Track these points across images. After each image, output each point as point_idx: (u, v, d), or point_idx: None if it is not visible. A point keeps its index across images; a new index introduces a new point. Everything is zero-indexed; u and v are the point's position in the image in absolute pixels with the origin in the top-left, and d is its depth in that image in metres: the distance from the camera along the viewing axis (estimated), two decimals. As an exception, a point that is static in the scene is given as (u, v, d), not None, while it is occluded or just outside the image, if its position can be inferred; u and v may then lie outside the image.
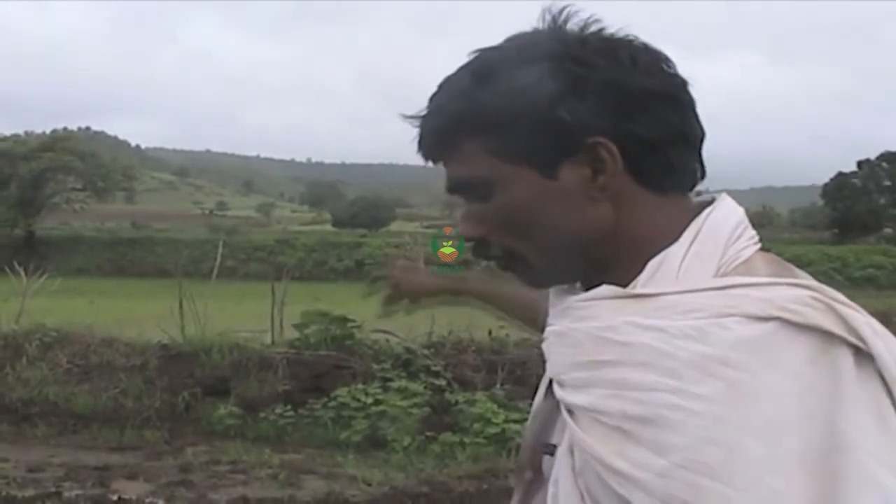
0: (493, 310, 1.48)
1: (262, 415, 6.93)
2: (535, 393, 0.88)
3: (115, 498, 5.12)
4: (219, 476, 5.67)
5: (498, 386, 6.98)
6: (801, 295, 0.67)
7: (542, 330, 0.79)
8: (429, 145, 0.79)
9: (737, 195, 0.78)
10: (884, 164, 52.60)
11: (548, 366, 0.77)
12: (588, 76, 0.72)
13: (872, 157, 53.23)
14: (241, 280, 27.71)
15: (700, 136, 0.76)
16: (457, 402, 6.73)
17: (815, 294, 0.67)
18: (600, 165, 0.73)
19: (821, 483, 0.61)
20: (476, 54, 0.77)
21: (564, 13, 0.76)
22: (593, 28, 0.75)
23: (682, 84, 0.75)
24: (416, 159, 0.82)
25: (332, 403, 6.80)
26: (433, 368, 7.14)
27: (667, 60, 0.75)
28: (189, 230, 56.15)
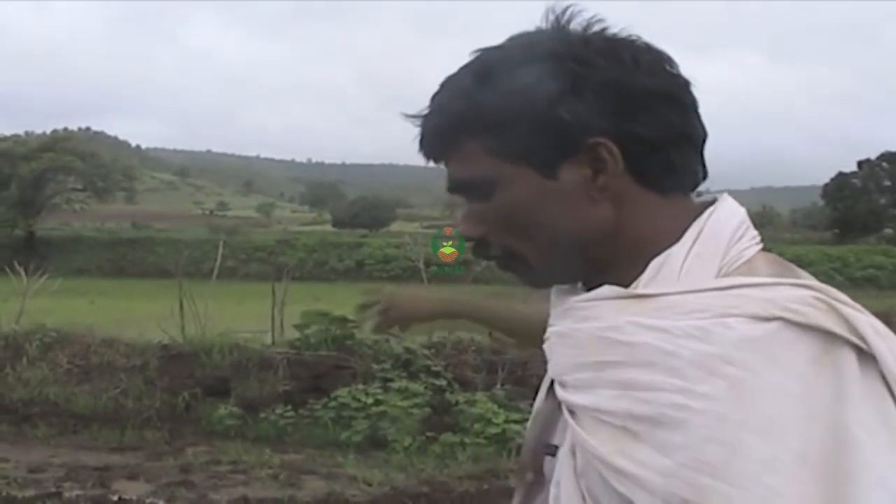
0: (488, 330, 1.47)
1: (262, 415, 6.93)
2: (535, 393, 0.88)
3: (115, 498, 5.12)
4: (219, 476, 5.67)
5: (498, 386, 6.98)
6: (804, 295, 0.67)
7: (541, 345, 0.79)
8: (430, 145, 0.79)
9: (737, 195, 0.78)
10: (884, 164, 52.61)
11: (549, 366, 0.77)
12: (589, 76, 0.72)
13: (872, 157, 53.28)
14: (241, 280, 27.73)
15: (702, 136, 0.76)
16: (457, 403, 6.73)
17: (818, 294, 0.67)
18: (601, 165, 0.72)
19: (826, 483, 0.61)
20: (478, 54, 0.77)
21: (567, 13, 0.76)
22: (596, 28, 0.75)
23: (684, 84, 0.75)
24: (417, 159, 0.82)
25: (333, 404, 6.80)
26: (433, 369, 7.14)
27: (669, 61, 0.75)
28: (189, 230, 56.15)
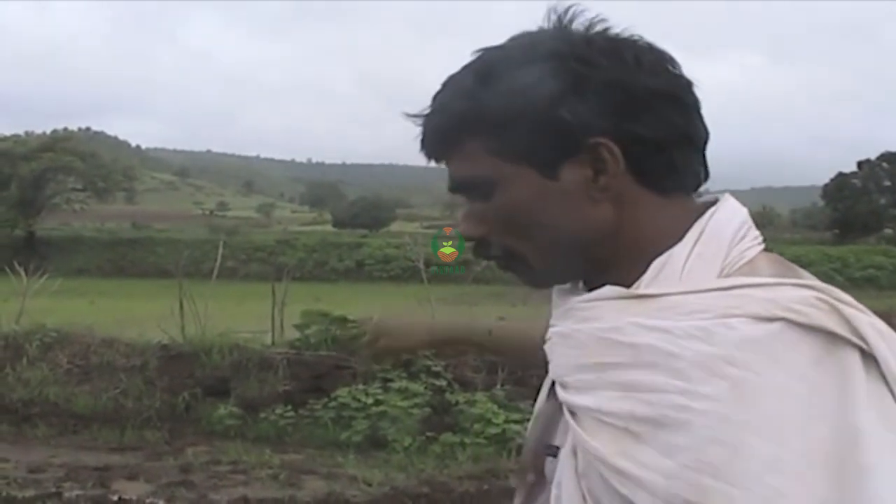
0: (484, 353, 1.46)
1: (262, 415, 6.92)
2: (536, 394, 0.88)
3: (115, 498, 5.12)
4: (219, 476, 5.67)
5: (498, 386, 6.97)
6: (806, 296, 0.67)
7: (539, 361, 0.79)
8: (431, 144, 0.79)
9: (737, 195, 0.78)
10: (884, 165, 52.58)
11: (550, 367, 0.77)
12: (591, 76, 0.71)
13: (872, 157, 53.24)
14: (241, 280, 27.73)
15: (704, 137, 0.76)
16: (457, 403, 6.72)
17: (820, 295, 0.67)
18: (602, 166, 0.72)
19: (834, 483, 0.61)
20: (480, 53, 0.77)
21: (570, 13, 0.75)
22: (598, 28, 0.75)
23: (686, 85, 0.75)
24: (417, 159, 0.82)
25: (333, 404, 6.80)
26: (434, 369, 7.13)
27: (672, 61, 0.75)
28: (189, 230, 56.18)
